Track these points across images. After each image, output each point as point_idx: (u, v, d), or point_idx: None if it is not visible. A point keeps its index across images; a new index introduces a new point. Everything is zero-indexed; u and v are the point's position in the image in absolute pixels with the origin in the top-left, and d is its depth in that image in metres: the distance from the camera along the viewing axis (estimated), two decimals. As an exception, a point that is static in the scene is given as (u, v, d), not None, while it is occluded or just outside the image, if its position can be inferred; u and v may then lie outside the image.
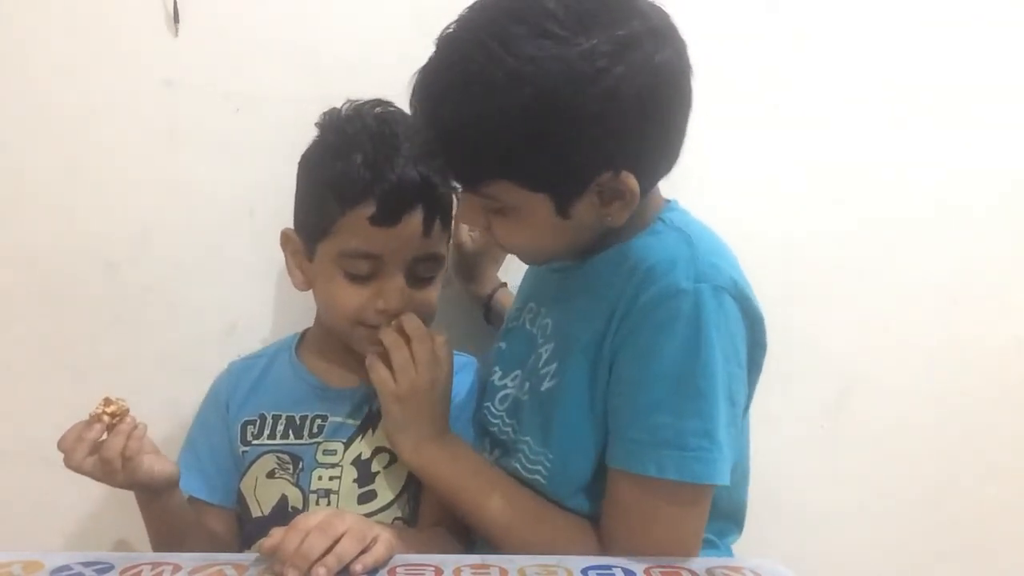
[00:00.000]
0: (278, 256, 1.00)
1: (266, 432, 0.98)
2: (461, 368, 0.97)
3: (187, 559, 0.79)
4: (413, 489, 0.96)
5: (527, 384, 0.90)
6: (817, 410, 1.25)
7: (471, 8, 0.77)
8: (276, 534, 0.75)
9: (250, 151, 1.10)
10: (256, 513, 0.96)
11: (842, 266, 1.22)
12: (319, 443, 0.96)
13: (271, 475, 0.96)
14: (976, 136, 1.22)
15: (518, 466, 0.89)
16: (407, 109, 0.81)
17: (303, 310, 1.05)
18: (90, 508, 1.14)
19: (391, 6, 1.11)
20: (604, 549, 0.83)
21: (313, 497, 0.94)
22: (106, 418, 0.83)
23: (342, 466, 0.95)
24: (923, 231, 1.23)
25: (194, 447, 1.01)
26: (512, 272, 1.14)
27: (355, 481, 0.95)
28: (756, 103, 1.18)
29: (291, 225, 0.98)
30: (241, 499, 0.97)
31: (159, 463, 0.87)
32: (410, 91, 0.78)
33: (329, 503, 0.94)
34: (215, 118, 1.10)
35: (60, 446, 0.83)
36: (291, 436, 0.97)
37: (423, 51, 0.77)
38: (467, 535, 0.94)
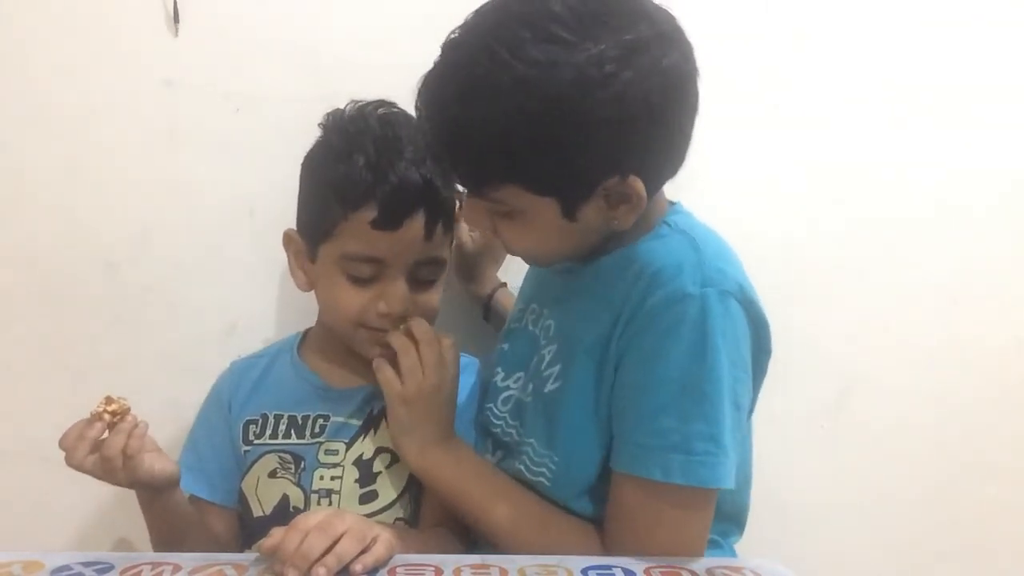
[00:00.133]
0: (278, 256, 1.00)
1: (268, 432, 0.98)
2: (463, 369, 0.97)
3: (187, 559, 0.79)
4: (414, 490, 0.96)
5: (530, 386, 0.90)
6: (817, 410, 1.24)
7: (477, 13, 0.76)
8: (276, 534, 0.75)
9: (250, 151, 1.10)
10: (257, 513, 0.96)
11: (842, 266, 1.22)
12: (321, 443, 0.96)
13: (273, 475, 0.96)
14: (976, 136, 1.22)
15: (522, 468, 0.89)
16: (409, 110, 0.81)
17: (303, 310, 1.05)
18: (90, 508, 1.14)
19: (391, 6, 1.11)
20: (608, 553, 0.83)
21: (315, 497, 0.94)
22: (107, 416, 0.83)
23: (344, 466, 0.95)
24: (923, 231, 1.23)
25: (196, 446, 1.01)
26: (512, 272, 1.14)
27: (357, 481, 0.95)
28: (756, 103, 1.18)
29: (292, 225, 0.98)
30: (242, 499, 0.97)
31: (160, 462, 0.86)
32: (415, 96, 0.78)
33: (331, 503, 0.94)
34: (215, 118, 1.10)
35: (61, 444, 0.83)
36: (293, 436, 0.97)
37: (423, 51, 0.77)
38: (468, 535, 0.94)
